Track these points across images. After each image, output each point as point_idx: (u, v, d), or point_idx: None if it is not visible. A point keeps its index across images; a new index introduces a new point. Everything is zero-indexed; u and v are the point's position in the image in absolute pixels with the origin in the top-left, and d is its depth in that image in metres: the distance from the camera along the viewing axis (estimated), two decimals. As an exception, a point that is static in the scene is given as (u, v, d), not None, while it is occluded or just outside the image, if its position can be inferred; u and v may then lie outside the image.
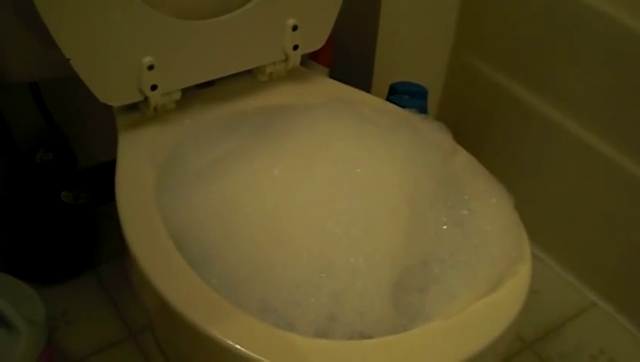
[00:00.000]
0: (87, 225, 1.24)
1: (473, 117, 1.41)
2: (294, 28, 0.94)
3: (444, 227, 0.77)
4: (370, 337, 0.67)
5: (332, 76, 1.20)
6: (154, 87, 0.86)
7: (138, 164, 0.84)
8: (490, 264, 0.73)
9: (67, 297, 1.20)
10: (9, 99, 1.13)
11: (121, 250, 0.75)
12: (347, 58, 1.29)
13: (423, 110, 1.25)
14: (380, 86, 1.28)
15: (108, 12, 0.80)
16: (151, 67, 0.85)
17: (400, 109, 0.94)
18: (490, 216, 0.78)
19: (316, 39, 0.99)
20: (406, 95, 1.23)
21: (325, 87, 0.99)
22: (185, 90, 0.91)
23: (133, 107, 0.89)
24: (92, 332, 1.16)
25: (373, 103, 0.95)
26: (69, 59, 0.79)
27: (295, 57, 0.97)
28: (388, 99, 1.23)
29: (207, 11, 0.88)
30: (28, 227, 1.18)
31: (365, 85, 1.30)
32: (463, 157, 0.86)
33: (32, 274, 1.17)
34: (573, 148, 1.22)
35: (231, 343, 0.63)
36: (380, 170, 0.78)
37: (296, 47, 0.96)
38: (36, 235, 1.18)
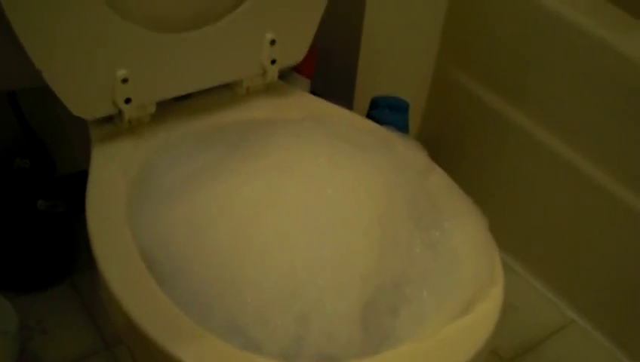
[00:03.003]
0: (63, 234, 1.23)
1: (455, 130, 1.41)
2: (272, 42, 0.94)
3: (417, 248, 0.76)
4: (338, 360, 0.67)
5: (314, 88, 1.20)
6: (128, 100, 0.85)
7: (110, 177, 0.83)
8: (462, 286, 0.73)
9: (43, 306, 1.19)
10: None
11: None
12: (330, 70, 1.29)
13: (404, 124, 1.25)
14: (362, 98, 1.28)
15: (81, 24, 0.79)
16: (125, 80, 0.84)
17: (378, 127, 0.93)
18: (463, 237, 0.78)
19: (294, 54, 0.98)
20: (387, 109, 1.23)
21: (303, 102, 0.98)
22: (160, 103, 0.90)
23: (107, 119, 0.88)
24: (67, 342, 1.14)
25: (351, 120, 0.95)
26: (40, 71, 0.79)
27: (273, 72, 0.96)
28: (369, 113, 1.22)
29: (184, 24, 0.87)
30: (3, 235, 1.16)
31: (347, 97, 1.30)
32: (438, 177, 0.85)
33: (7, 282, 1.17)
34: (554, 163, 1.22)
35: (196, 366, 0.62)
36: (352, 190, 0.78)
37: (274, 62, 0.96)
38: (12, 244, 1.17)
